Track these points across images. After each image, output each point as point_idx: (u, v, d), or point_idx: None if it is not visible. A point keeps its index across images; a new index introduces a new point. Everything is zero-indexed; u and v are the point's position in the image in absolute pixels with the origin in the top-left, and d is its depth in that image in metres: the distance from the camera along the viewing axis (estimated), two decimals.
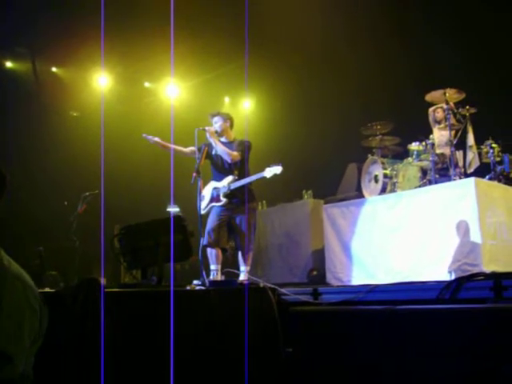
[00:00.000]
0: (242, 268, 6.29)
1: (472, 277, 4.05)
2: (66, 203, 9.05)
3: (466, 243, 5.95)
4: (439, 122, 7.53)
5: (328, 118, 10.14)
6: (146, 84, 11.31)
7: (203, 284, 5.04)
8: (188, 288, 4.69)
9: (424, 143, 7.31)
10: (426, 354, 3.65)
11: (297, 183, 9.53)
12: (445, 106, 7.14)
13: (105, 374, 3.06)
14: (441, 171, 7.18)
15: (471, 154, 7.06)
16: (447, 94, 7.14)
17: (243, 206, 6.23)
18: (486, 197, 6.18)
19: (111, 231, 6.73)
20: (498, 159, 7.10)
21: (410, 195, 6.88)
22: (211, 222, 6.29)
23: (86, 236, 7.86)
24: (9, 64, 9.84)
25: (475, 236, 5.87)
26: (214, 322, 4.19)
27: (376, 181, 7.53)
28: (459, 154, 7.23)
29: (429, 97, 7.49)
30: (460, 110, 7.14)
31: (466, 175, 6.91)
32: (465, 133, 7.13)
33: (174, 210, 8.60)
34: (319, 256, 7.97)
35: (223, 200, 6.30)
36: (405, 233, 6.64)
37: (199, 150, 6.29)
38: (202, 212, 6.36)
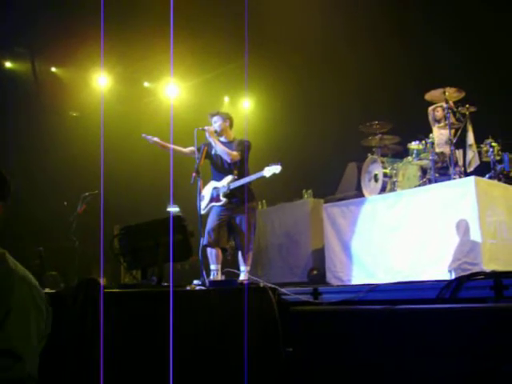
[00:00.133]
0: (242, 268, 6.29)
1: (472, 276, 4.04)
2: (65, 203, 9.05)
3: (466, 242, 5.96)
4: (439, 121, 7.53)
5: (328, 117, 10.14)
6: (146, 84, 11.31)
7: (203, 284, 5.03)
8: (188, 288, 4.68)
9: (424, 142, 7.31)
10: (426, 354, 3.64)
11: (297, 182, 9.53)
12: (444, 105, 7.14)
13: (105, 374, 3.06)
14: (440, 170, 7.18)
15: (471, 153, 7.06)
16: (447, 93, 7.14)
17: (243, 206, 6.22)
18: (486, 196, 6.18)
19: (111, 231, 6.74)
20: (498, 158, 7.10)
21: (409, 194, 6.88)
22: (211, 222, 6.29)
23: (85, 236, 7.85)
24: (8, 64, 9.84)
25: (475, 235, 5.87)
26: (214, 322, 4.19)
27: (376, 180, 7.53)
28: (459, 153, 7.23)
29: (428, 96, 7.49)
30: (460, 108, 7.14)
31: (466, 174, 6.91)
32: (464, 132, 7.13)
33: (173, 210, 8.60)
34: (319, 255, 7.98)
35: (223, 200, 6.30)
36: (405, 232, 6.64)
37: (198, 149, 6.29)
38: (202, 212, 6.36)
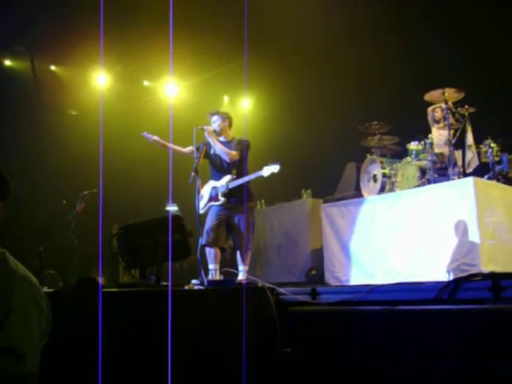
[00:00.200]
0: (241, 267, 6.29)
1: (471, 277, 4.05)
2: (64, 202, 9.04)
3: (464, 243, 5.96)
4: (438, 122, 7.54)
5: (327, 117, 10.14)
6: (145, 83, 11.31)
7: (202, 283, 5.02)
8: (186, 287, 4.69)
9: (423, 143, 7.31)
10: (424, 355, 3.64)
11: (296, 182, 9.53)
12: (444, 106, 7.14)
13: (103, 373, 3.06)
14: (440, 171, 7.18)
15: (470, 154, 7.06)
16: (446, 94, 7.13)
17: (241, 206, 6.23)
18: (485, 196, 6.18)
19: (110, 230, 6.74)
20: (497, 159, 7.10)
21: (408, 195, 6.89)
22: (210, 222, 6.29)
23: (84, 235, 7.86)
24: (8, 62, 9.83)
25: (474, 236, 5.87)
26: (213, 322, 4.19)
27: (375, 180, 7.53)
28: (458, 154, 7.23)
29: (428, 96, 7.48)
30: (459, 109, 7.14)
31: (465, 175, 6.91)
32: (464, 132, 7.14)
33: (172, 209, 8.60)
34: (318, 255, 7.98)
35: (221, 199, 6.30)
36: (403, 232, 6.65)
37: (198, 149, 6.30)
38: (201, 211, 6.37)
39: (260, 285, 4.78)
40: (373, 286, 4.47)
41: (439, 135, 7.46)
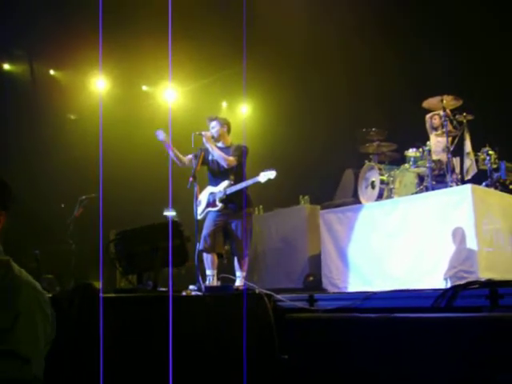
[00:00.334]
0: (238, 273, 6.29)
1: (468, 285, 4.05)
2: (62, 206, 9.04)
3: (462, 250, 5.96)
4: (436, 129, 7.55)
5: (325, 123, 10.14)
6: (144, 88, 11.32)
7: (199, 289, 5.02)
8: (184, 293, 4.69)
9: (421, 149, 7.32)
10: (421, 362, 3.64)
11: (293, 188, 9.54)
12: (442, 113, 7.15)
13: (103, 380, 3.05)
14: (437, 178, 7.18)
15: (469, 161, 7.07)
16: (444, 101, 7.14)
17: (239, 212, 6.24)
18: (483, 204, 6.18)
19: (107, 236, 6.73)
20: (495, 166, 7.10)
21: (406, 201, 6.89)
22: (207, 227, 6.29)
23: (82, 240, 7.85)
24: (7, 66, 9.84)
25: (471, 243, 5.88)
26: (210, 328, 4.18)
27: (373, 187, 7.54)
28: (456, 161, 7.24)
29: (426, 103, 7.49)
30: (457, 116, 7.15)
31: (463, 182, 6.92)
32: (462, 139, 7.15)
33: (170, 214, 8.60)
34: (316, 262, 7.97)
35: (219, 205, 6.30)
36: (401, 239, 6.65)
37: (195, 156, 6.30)
38: (199, 217, 6.37)
39: (257, 291, 4.78)
40: (370, 293, 4.47)
41: (437, 142, 7.47)
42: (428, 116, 7.75)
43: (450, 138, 7.06)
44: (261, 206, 9.44)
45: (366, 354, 4.00)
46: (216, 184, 6.43)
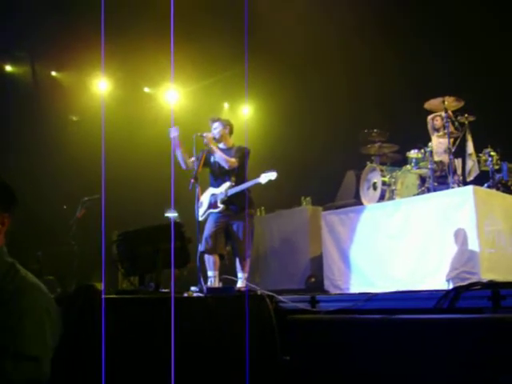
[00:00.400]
0: (240, 275, 6.29)
1: (470, 286, 4.04)
2: (64, 207, 9.04)
3: (464, 251, 5.95)
4: (438, 130, 7.55)
5: (327, 124, 10.14)
6: (146, 89, 11.32)
7: (201, 291, 5.02)
8: (186, 294, 4.69)
9: (423, 151, 7.32)
10: (423, 364, 3.64)
11: (295, 190, 9.54)
12: (443, 114, 7.15)
13: (105, 381, 3.06)
14: (439, 179, 7.18)
15: (471, 162, 7.07)
16: (446, 102, 7.14)
17: (240, 213, 6.24)
18: (485, 205, 6.18)
19: (109, 237, 6.73)
20: (497, 167, 7.10)
21: (408, 203, 6.88)
22: (208, 229, 6.30)
23: (84, 241, 7.86)
24: (9, 68, 9.84)
25: (473, 244, 5.87)
26: (212, 329, 4.18)
27: (374, 188, 7.53)
28: (458, 162, 7.24)
29: (428, 105, 7.49)
30: (459, 117, 7.15)
31: (465, 183, 6.92)
32: (464, 141, 7.14)
33: (172, 215, 8.60)
34: (317, 263, 7.97)
35: (220, 206, 6.31)
36: (403, 240, 6.64)
37: (198, 158, 6.31)
38: (200, 218, 6.37)
39: (259, 292, 4.78)
40: (372, 294, 4.47)
41: (439, 143, 7.46)
42: (430, 117, 7.75)
43: (451, 140, 7.05)
44: (262, 208, 9.45)
45: (368, 355, 4.00)
46: (217, 185, 6.44)
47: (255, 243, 7.11)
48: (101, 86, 10.36)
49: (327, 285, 7.41)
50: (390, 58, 9.26)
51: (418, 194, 7.13)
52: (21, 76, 9.95)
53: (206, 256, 6.25)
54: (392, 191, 7.39)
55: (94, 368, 3.09)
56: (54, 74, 10.35)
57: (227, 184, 6.34)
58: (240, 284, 6.16)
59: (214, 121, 6.64)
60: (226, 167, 6.33)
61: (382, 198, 7.39)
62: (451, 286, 5.46)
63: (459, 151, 7.17)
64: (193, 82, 10.75)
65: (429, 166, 7.12)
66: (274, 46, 9.85)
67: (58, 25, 8.71)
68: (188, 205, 6.53)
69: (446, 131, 7.02)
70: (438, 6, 8.85)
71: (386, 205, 7.17)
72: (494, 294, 3.62)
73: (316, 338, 4.46)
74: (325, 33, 9.34)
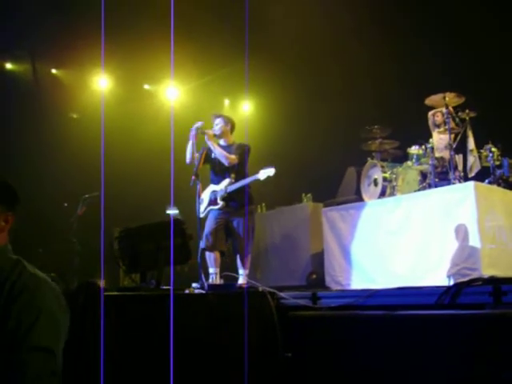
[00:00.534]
0: (241, 271, 6.29)
1: (471, 282, 4.05)
2: (65, 205, 9.05)
3: (465, 247, 5.95)
4: (438, 126, 7.54)
5: (327, 121, 10.14)
6: (146, 86, 11.31)
7: (202, 287, 5.03)
8: (187, 291, 4.70)
9: (423, 147, 7.31)
10: (425, 360, 3.64)
11: (296, 186, 9.54)
12: (444, 110, 7.14)
13: (104, 377, 3.06)
14: (440, 175, 7.18)
15: (472, 158, 7.05)
16: (447, 98, 7.14)
17: (241, 210, 6.24)
18: (486, 201, 6.18)
19: (111, 233, 6.74)
20: (498, 163, 7.09)
21: (409, 199, 6.88)
22: (209, 226, 6.30)
23: (85, 238, 7.87)
24: (9, 66, 9.84)
25: (474, 240, 5.87)
26: (213, 326, 4.19)
27: (375, 184, 7.53)
28: (459, 158, 7.23)
29: (428, 101, 7.49)
30: (459, 113, 7.14)
31: (466, 179, 6.91)
32: (464, 137, 7.13)
33: (173, 212, 8.60)
34: (318, 259, 7.97)
35: (220, 203, 6.31)
36: (404, 237, 6.64)
37: (199, 155, 6.31)
38: (201, 215, 6.37)
39: (261, 289, 4.78)
40: (373, 291, 4.47)
41: (440, 139, 7.46)
42: (430, 113, 7.74)
43: (452, 135, 7.05)
44: (263, 204, 9.44)
45: (370, 351, 4.00)
46: (217, 182, 6.44)
47: (256, 240, 7.10)
48: (101, 83, 10.36)
49: (328, 281, 7.42)
50: (390, 55, 9.25)
51: (418, 190, 7.13)
52: (21, 74, 9.95)
53: (207, 253, 6.25)
54: (393, 187, 7.38)
55: (96, 364, 3.09)
56: (54, 71, 10.35)
57: (227, 181, 6.34)
58: (241, 281, 6.17)
59: (217, 117, 6.65)
60: (226, 164, 6.33)
61: (382, 194, 7.39)
62: (452, 282, 5.46)
63: (460, 147, 7.16)
64: (193, 79, 10.74)
65: (430, 162, 7.11)
66: (273, 44, 9.84)
67: (58, 23, 8.70)
68: (189, 201, 6.53)
69: (446, 127, 7.02)
70: (438, 6, 8.84)
71: (387, 201, 7.17)
72: (495, 290, 3.62)
73: (317, 335, 4.47)
74: (325, 30, 9.32)
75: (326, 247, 7.59)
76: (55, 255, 7.90)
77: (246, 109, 11.91)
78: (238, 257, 6.36)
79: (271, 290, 4.78)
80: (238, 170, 6.38)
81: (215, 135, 6.48)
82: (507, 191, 6.74)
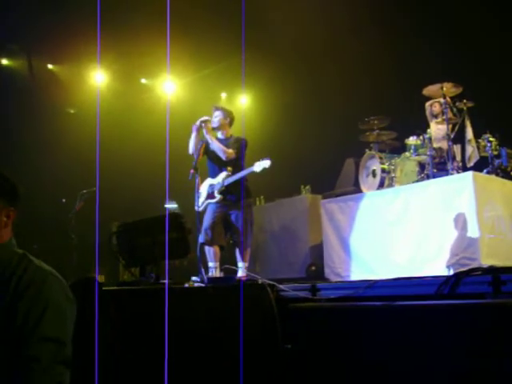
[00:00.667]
0: (240, 264, 6.29)
1: (471, 272, 4.05)
2: (63, 200, 9.03)
3: (464, 237, 5.96)
4: (436, 116, 7.53)
5: (325, 112, 10.13)
6: (143, 80, 11.28)
7: (202, 281, 5.03)
8: (186, 285, 4.70)
9: (421, 137, 7.30)
10: (425, 350, 3.65)
11: (295, 178, 9.52)
12: (442, 100, 7.13)
13: (104, 371, 3.06)
14: (438, 165, 7.17)
15: (470, 148, 7.05)
16: (444, 88, 7.12)
17: (238, 203, 6.23)
18: (484, 191, 6.18)
19: (110, 228, 6.73)
20: (496, 153, 7.08)
21: (407, 190, 6.88)
22: (207, 220, 6.29)
23: (83, 234, 7.85)
24: (4, 61, 9.80)
25: (473, 230, 5.87)
26: (213, 319, 4.19)
27: (374, 175, 7.52)
28: (457, 148, 7.22)
29: (426, 91, 7.48)
30: (457, 104, 7.13)
31: (464, 169, 6.91)
32: (462, 127, 7.13)
33: (171, 206, 8.60)
34: (318, 251, 7.97)
35: (217, 196, 6.31)
36: (403, 227, 6.64)
37: (198, 148, 6.31)
38: (200, 209, 6.37)
39: (260, 281, 4.79)
40: (373, 282, 4.47)
41: (437, 130, 7.45)
42: (428, 103, 7.72)
43: (450, 126, 7.04)
44: (262, 197, 9.44)
45: (369, 342, 4.01)
46: (215, 176, 6.44)
47: (255, 232, 7.10)
48: (97, 77, 10.33)
49: (328, 273, 7.42)
50: (388, 49, 9.23)
51: (417, 181, 7.12)
52: (17, 69, 9.91)
53: (206, 247, 6.25)
54: (391, 178, 7.38)
55: (94, 358, 3.09)
56: (50, 67, 10.31)
57: (224, 174, 6.33)
58: (241, 273, 6.17)
59: (217, 109, 6.65)
60: (224, 158, 6.32)
61: (381, 186, 7.38)
62: (452, 272, 5.47)
63: (458, 137, 7.16)
64: (190, 73, 10.72)
65: (428, 153, 7.10)
66: (271, 38, 9.82)
67: (54, 18, 8.67)
68: (189, 195, 6.53)
69: (444, 117, 7.00)
70: (438, 6, 8.82)
71: (386, 192, 7.16)
72: (494, 280, 3.62)
73: (317, 326, 4.47)
74: (322, 24, 9.31)
75: (325, 239, 7.60)
76: (53, 251, 7.89)
77: (243, 102, 11.89)
78: (237, 250, 6.36)
79: (271, 282, 4.79)
80: (235, 164, 6.37)
81: (213, 128, 6.47)
82: (506, 181, 6.74)
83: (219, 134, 6.55)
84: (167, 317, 3.49)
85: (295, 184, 9.27)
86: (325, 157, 9.80)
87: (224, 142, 6.45)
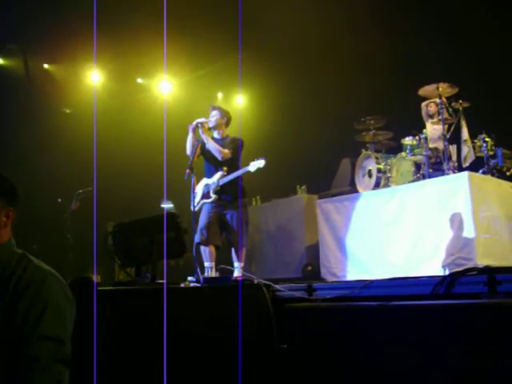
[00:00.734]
0: (236, 264, 6.29)
1: (466, 272, 4.05)
2: (59, 200, 9.02)
3: (459, 237, 5.97)
4: (432, 117, 7.54)
5: (321, 112, 10.13)
6: (139, 80, 11.27)
7: (197, 281, 5.02)
8: (182, 285, 4.69)
9: (417, 137, 7.31)
10: (420, 350, 3.65)
11: (291, 178, 9.54)
12: (438, 101, 7.14)
13: (100, 372, 3.05)
14: (434, 165, 7.19)
15: (466, 149, 7.06)
16: (440, 89, 7.14)
17: (234, 203, 6.24)
18: (480, 191, 6.19)
19: (106, 228, 6.72)
20: (492, 153, 7.10)
21: (403, 190, 6.90)
22: (202, 220, 6.29)
23: (80, 233, 7.84)
24: (0, 61, 9.78)
25: (469, 230, 5.89)
26: (209, 319, 4.18)
27: (370, 176, 7.53)
28: (452, 148, 7.23)
29: (422, 91, 7.49)
30: (453, 104, 7.15)
31: (460, 169, 6.92)
32: (458, 127, 7.14)
33: (168, 206, 8.59)
34: (314, 251, 7.99)
35: (213, 196, 6.30)
36: (399, 227, 6.66)
37: (193, 146, 6.31)
38: (195, 209, 6.36)
39: (256, 281, 4.78)
40: (368, 282, 4.47)
41: (433, 130, 7.46)
42: (424, 104, 7.74)
43: (446, 126, 7.05)
44: (258, 197, 9.44)
45: (365, 342, 4.00)
46: (210, 175, 6.44)
47: (251, 232, 7.10)
48: (93, 77, 10.32)
49: (324, 273, 7.44)
50: (387, 48, 9.23)
51: (413, 181, 7.14)
52: (13, 69, 9.89)
53: (202, 247, 6.25)
54: (387, 178, 7.39)
55: (91, 358, 3.09)
56: (46, 66, 10.29)
57: (219, 174, 6.33)
58: (236, 273, 6.17)
59: (214, 108, 6.64)
60: (220, 158, 6.32)
61: (377, 186, 7.39)
62: (447, 272, 5.48)
63: (454, 137, 7.17)
64: (186, 73, 10.72)
65: (424, 153, 7.12)
66: (267, 38, 9.82)
67: (50, 17, 8.66)
68: (184, 195, 6.53)
69: (440, 117, 7.01)
70: (438, 6, 8.83)
71: (382, 192, 7.18)
72: (490, 280, 3.62)
73: (313, 326, 4.47)
74: (318, 24, 9.31)
75: (321, 239, 7.61)
76: (49, 251, 7.87)
77: (239, 102, 11.88)
78: (232, 250, 6.36)
79: (266, 282, 4.78)
80: (231, 164, 6.37)
81: (210, 127, 6.47)
82: (501, 181, 6.76)
83: (215, 134, 6.55)
84: (165, 317, 3.49)
85: (291, 184, 9.28)
86: (321, 157, 9.80)
87: (220, 141, 6.44)
